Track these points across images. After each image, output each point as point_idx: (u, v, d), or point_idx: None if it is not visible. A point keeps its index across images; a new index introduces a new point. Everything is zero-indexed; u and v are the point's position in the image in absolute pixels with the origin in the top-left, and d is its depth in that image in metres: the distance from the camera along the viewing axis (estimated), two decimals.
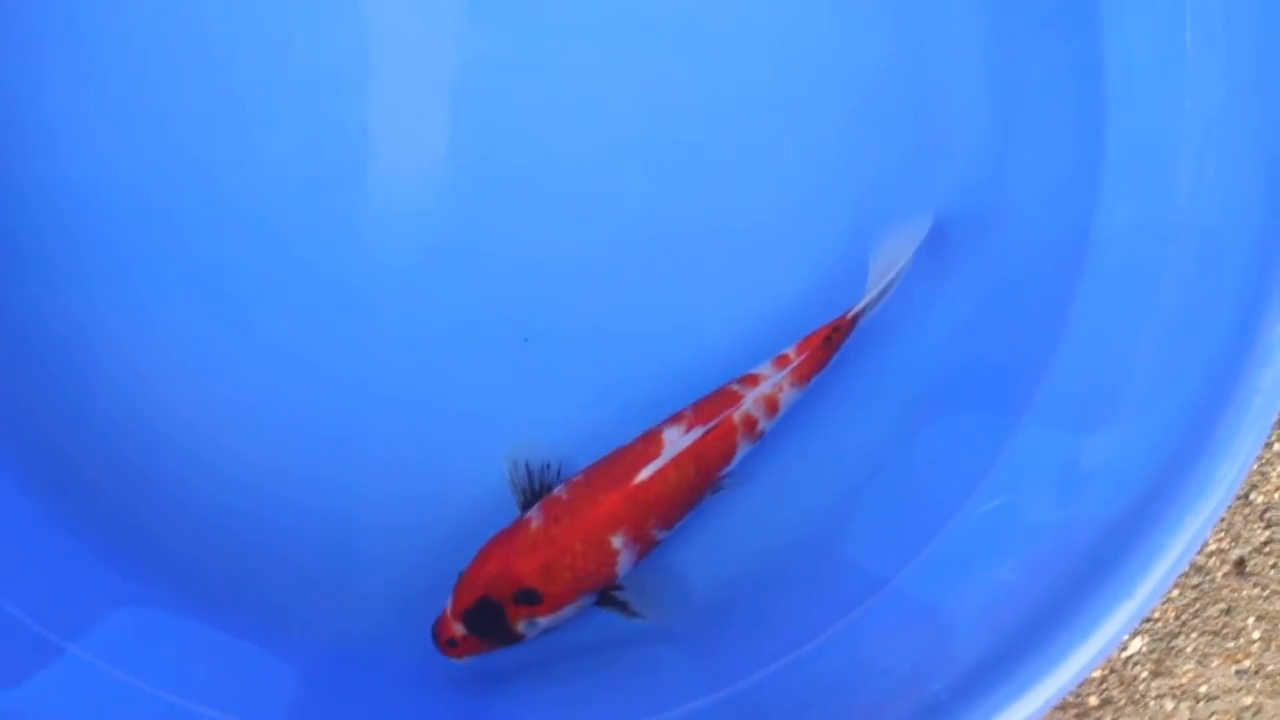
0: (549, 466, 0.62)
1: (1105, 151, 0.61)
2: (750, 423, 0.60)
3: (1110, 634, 0.50)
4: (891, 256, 0.61)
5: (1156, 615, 0.71)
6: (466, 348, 0.65)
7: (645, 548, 0.60)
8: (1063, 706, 0.70)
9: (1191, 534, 0.51)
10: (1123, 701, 0.70)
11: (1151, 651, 0.71)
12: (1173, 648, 0.71)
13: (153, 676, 0.57)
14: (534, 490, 0.61)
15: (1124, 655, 0.71)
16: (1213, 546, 0.71)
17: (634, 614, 0.60)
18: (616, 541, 0.58)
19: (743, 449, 0.60)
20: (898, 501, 0.63)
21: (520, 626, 0.59)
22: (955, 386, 0.64)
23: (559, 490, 0.60)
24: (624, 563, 0.59)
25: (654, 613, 0.61)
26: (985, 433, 0.61)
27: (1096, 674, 0.71)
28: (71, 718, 0.54)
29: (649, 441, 0.60)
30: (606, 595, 0.60)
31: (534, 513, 0.60)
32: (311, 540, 0.63)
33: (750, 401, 0.60)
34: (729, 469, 0.60)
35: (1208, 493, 0.51)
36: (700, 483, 0.60)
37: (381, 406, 0.65)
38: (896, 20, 0.64)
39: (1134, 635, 0.71)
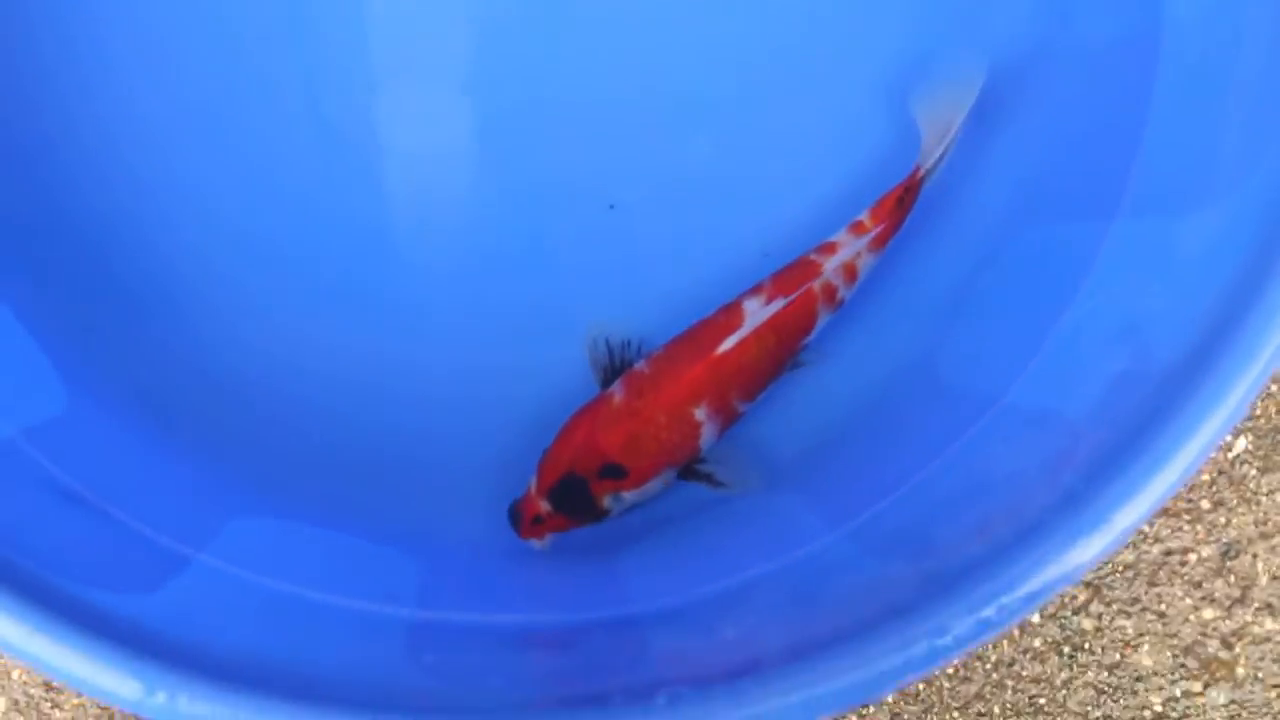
0: (629, 344, 0.61)
1: None
2: (830, 291, 0.59)
3: (1231, 406, 0.48)
4: (948, 105, 0.59)
5: (1259, 413, 0.69)
6: (548, 216, 0.65)
7: (728, 419, 0.59)
8: (1175, 513, 0.70)
9: None
10: (1234, 501, 0.70)
11: (1258, 449, 0.70)
12: (1279, 443, 0.70)
13: (278, 574, 0.58)
14: (614, 368, 0.61)
15: (1230, 456, 0.69)
16: None
17: (719, 484, 0.60)
18: (699, 413, 0.58)
19: (823, 318, 0.59)
20: (997, 321, 0.62)
21: (606, 502, 0.59)
22: (1039, 200, 0.62)
23: (640, 365, 0.60)
24: (707, 435, 0.59)
25: (738, 483, 0.61)
26: (1078, 238, 0.59)
27: (1205, 477, 0.70)
28: (205, 611, 0.55)
29: (730, 313, 0.59)
30: (690, 468, 0.60)
31: (616, 388, 0.59)
32: (402, 430, 0.64)
33: (830, 270, 0.59)
34: (810, 339, 0.60)
35: None
36: (781, 353, 0.59)
37: (461, 274, 0.65)
38: None
39: (1238, 434, 0.70)
